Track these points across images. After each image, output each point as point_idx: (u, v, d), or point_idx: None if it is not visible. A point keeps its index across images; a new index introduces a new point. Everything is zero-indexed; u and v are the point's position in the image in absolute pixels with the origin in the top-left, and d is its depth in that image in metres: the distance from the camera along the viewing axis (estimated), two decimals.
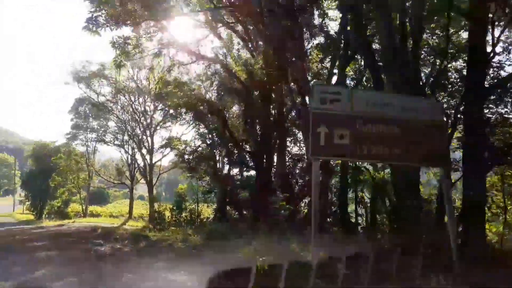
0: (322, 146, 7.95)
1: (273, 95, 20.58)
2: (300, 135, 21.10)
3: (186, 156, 24.19)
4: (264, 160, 20.25)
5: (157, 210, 24.04)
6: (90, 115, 38.01)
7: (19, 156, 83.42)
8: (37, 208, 49.27)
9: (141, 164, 37.98)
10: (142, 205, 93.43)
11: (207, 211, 24.21)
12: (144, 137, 37.90)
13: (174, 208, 23.83)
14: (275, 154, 20.60)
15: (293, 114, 20.30)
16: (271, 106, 20.74)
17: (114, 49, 18.40)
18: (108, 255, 12.13)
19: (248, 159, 21.35)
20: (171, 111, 28.61)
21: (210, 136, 23.49)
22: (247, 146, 22.42)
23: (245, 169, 21.31)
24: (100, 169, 41.73)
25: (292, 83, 16.79)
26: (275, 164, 20.45)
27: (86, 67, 34.89)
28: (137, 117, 37.11)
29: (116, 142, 38.49)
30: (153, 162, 37.59)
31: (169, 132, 38.69)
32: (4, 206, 68.67)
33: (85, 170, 42.68)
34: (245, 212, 20.34)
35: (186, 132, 35.88)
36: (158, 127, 37.48)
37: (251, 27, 19.98)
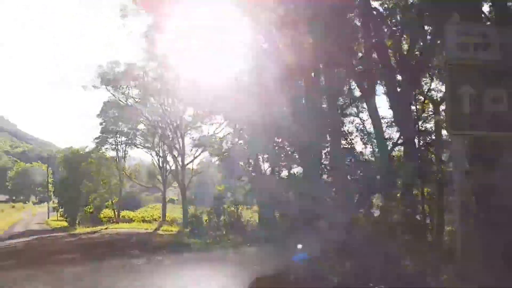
0: (466, 116, 5.37)
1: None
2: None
3: (223, 154, 21.98)
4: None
5: (193, 213, 21.91)
6: (119, 118, 36.48)
7: (53, 165, 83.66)
8: (70, 214, 48.27)
9: (173, 167, 36.24)
10: (174, 209, 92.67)
11: (248, 213, 21.98)
12: (175, 139, 36.10)
13: (212, 211, 21.66)
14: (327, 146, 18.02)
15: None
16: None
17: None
18: (149, 272, 9.99)
19: (293, 152, 18.91)
20: None
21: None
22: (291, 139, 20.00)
23: (293, 165, 18.87)
24: (131, 174, 40.25)
25: None
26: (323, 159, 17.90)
27: (114, 68, 33.39)
28: (167, 119, 35.30)
29: (146, 145, 36.77)
30: (185, 163, 35.72)
31: (200, 132, 36.86)
32: (40, 213, 68.67)
33: (116, 175, 41.20)
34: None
35: (218, 131, 34.06)
36: (189, 128, 35.59)
37: None
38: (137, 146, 37.55)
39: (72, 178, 45.89)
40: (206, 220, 21.89)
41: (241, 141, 21.24)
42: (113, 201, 43.79)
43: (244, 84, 20.37)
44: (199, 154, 36.25)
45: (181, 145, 35.77)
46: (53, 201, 64.21)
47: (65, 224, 49.03)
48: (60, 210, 53.55)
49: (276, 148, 19.66)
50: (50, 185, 63.86)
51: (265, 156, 20.17)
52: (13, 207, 79.87)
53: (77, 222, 46.94)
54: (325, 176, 17.57)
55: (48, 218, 61.56)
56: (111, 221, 48.38)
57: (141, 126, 37.65)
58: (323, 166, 17.27)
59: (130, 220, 47.97)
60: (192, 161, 36.09)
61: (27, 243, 21.14)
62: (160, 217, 52.94)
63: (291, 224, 13.87)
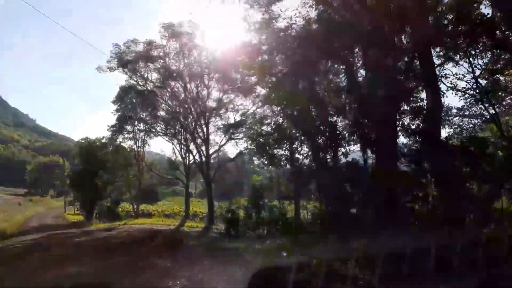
0: None
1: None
2: None
3: (261, 139, 18.10)
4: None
5: (227, 209, 17.95)
6: (137, 104, 32.75)
7: (71, 159, 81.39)
8: (87, 208, 45.10)
9: (196, 157, 32.43)
10: (192, 203, 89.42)
11: (291, 208, 18.05)
12: (198, 127, 32.36)
13: (250, 206, 17.69)
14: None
15: None
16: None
17: None
18: None
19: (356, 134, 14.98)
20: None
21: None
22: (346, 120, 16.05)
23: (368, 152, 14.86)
24: (151, 164, 36.36)
25: None
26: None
27: (131, 48, 29.52)
28: (190, 104, 31.50)
29: (168, 131, 32.83)
30: (210, 153, 31.89)
31: (226, 119, 33.01)
32: (58, 207, 66.15)
33: (134, 165, 37.52)
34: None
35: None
36: (213, 115, 31.72)
37: None
38: (159, 133, 33.54)
39: (87, 170, 42.63)
40: (243, 216, 17.92)
41: (285, 122, 17.25)
42: (132, 195, 40.16)
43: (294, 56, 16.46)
44: (225, 143, 32.45)
45: (205, 133, 31.99)
46: (69, 195, 61.32)
47: (82, 218, 46.07)
48: (76, 204, 50.51)
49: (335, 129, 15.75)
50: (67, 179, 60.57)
51: (319, 139, 16.21)
52: (31, 200, 77.76)
53: (94, 216, 43.86)
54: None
55: (65, 212, 59.04)
56: (129, 216, 45.21)
57: (161, 114, 33.82)
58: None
59: (149, 215, 44.64)
60: (217, 150, 32.27)
61: (33, 243, 17.67)
62: (181, 212, 49.57)
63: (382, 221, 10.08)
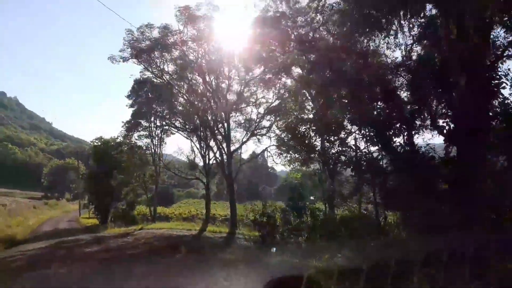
0: None
1: None
2: None
3: (301, 128, 15.10)
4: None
5: (261, 211, 14.94)
6: (153, 99, 30.03)
7: (86, 161, 79.72)
8: (102, 211, 42.72)
9: (217, 155, 29.57)
10: (211, 205, 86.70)
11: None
12: (217, 123, 29.60)
13: (287, 208, 14.64)
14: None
15: None
16: None
17: None
18: None
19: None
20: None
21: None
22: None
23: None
24: (169, 163, 33.52)
25: None
26: None
27: (146, 34, 26.70)
28: (209, 98, 28.70)
29: (187, 127, 29.90)
30: (231, 150, 29.02)
31: (248, 115, 30.18)
32: (73, 211, 64.24)
33: (151, 164, 34.71)
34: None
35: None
36: (234, 109, 28.86)
37: None
38: (178, 129, 30.45)
39: (102, 171, 40.27)
40: (278, 220, 14.88)
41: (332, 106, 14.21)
42: (148, 197, 37.50)
43: None
44: (247, 139, 29.52)
45: (225, 129, 29.16)
46: (84, 198, 59.27)
47: (96, 222, 43.81)
48: (91, 207, 48.27)
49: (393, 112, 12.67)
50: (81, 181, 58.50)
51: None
52: (46, 204, 76.09)
53: (108, 220, 41.49)
54: None
55: (80, 215, 57.06)
56: (146, 220, 42.75)
57: (179, 108, 30.90)
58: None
59: (166, 218, 42.07)
60: (239, 147, 29.37)
61: (34, 255, 15.03)
62: (198, 214, 46.80)
63: None
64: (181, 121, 30.61)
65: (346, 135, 14.02)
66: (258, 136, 29.81)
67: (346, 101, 13.34)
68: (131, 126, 30.83)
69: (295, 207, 14.16)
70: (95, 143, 45.98)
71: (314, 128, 14.44)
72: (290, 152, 26.89)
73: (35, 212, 57.26)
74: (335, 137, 13.87)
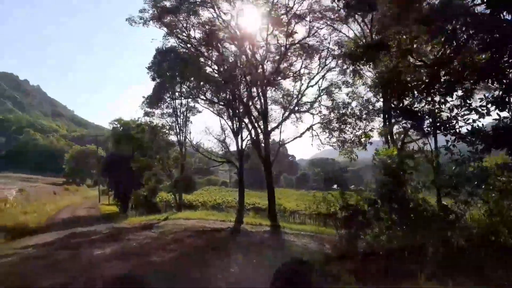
0: None
1: None
2: None
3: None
4: None
5: (345, 201, 10.24)
6: (178, 71, 25.54)
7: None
8: (121, 198, 39.02)
9: (252, 134, 25.09)
10: (228, 193, 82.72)
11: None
12: (251, 99, 25.01)
13: (377, 199, 9.91)
14: None
15: None
16: None
17: None
18: None
19: None
20: None
21: None
22: None
23: None
24: (197, 144, 29.08)
25: None
26: None
27: None
28: (243, 68, 24.10)
29: (220, 98, 25.13)
30: (269, 129, 24.46)
31: (288, 89, 25.65)
32: (94, 197, 61.43)
33: (176, 145, 30.20)
34: None
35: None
36: (273, 80, 24.18)
37: None
38: (208, 101, 25.45)
39: (121, 154, 36.43)
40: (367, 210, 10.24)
41: None
42: (172, 181, 33.24)
43: None
44: (287, 116, 24.84)
45: (262, 103, 24.58)
46: (104, 184, 55.80)
47: (116, 209, 40.23)
48: (111, 193, 44.65)
49: None
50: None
51: None
52: (67, 189, 73.60)
53: (130, 207, 37.79)
54: None
55: (99, 202, 53.86)
56: (169, 206, 38.82)
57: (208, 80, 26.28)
58: None
59: (191, 206, 38.03)
60: (279, 125, 24.68)
61: (27, 258, 10.86)
62: (223, 202, 42.58)
63: None
64: (209, 95, 26.06)
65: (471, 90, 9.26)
66: (297, 114, 25.22)
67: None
68: (153, 101, 26.41)
69: (391, 198, 9.60)
70: (114, 125, 42.20)
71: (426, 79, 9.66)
72: (347, 128, 22.37)
73: (54, 198, 54.98)
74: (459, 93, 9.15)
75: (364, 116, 21.21)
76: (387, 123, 19.58)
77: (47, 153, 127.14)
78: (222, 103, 25.05)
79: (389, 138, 16.90)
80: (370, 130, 20.97)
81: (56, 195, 60.33)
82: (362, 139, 21.48)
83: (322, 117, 23.93)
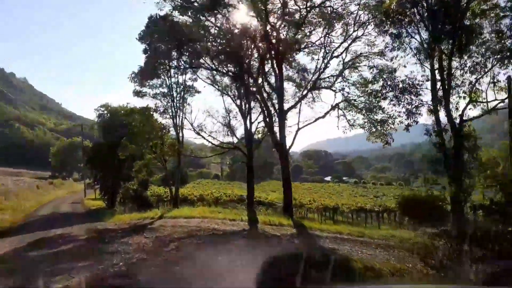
0: None
1: None
2: None
3: None
4: None
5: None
6: (173, 43, 20.75)
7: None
8: (108, 192, 34.16)
9: (259, 119, 20.59)
10: (222, 187, 78.17)
11: None
12: (261, 75, 20.39)
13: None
14: None
15: None
16: None
17: None
18: None
19: None
20: None
21: None
22: None
23: None
24: (199, 126, 24.12)
25: None
26: None
27: None
28: (252, 35, 19.47)
29: (225, 70, 20.29)
30: (285, 109, 19.97)
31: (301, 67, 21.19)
32: (80, 191, 56.56)
33: (170, 129, 25.18)
34: None
35: None
36: (291, 50, 19.65)
37: None
38: (213, 70, 20.41)
39: (108, 143, 31.49)
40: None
41: None
42: (167, 170, 28.32)
43: None
44: (305, 95, 20.41)
45: (277, 77, 20.06)
46: (90, 177, 50.59)
47: (103, 204, 35.43)
48: (97, 186, 39.62)
49: None
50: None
51: None
52: (51, 183, 68.42)
53: (118, 202, 33.02)
54: None
55: (85, 196, 48.95)
56: (161, 201, 34.14)
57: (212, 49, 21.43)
58: None
59: (186, 200, 33.39)
60: (297, 103, 20.21)
61: None
62: (221, 196, 38.06)
63: None
64: (213, 64, 21.26)
65: None
66: (315, 92, 20.79)
67: None
68: (145, 75, 21.55)
69: None
70: (100, 111, 37.16)
71: None
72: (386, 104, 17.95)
73: (37, 193, 50.41)
74: None
75: (409, 89, 16.81)
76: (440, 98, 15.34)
77: (34, 147, 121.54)
78: (232, 74, 20.31)
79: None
80: (416, 107, 16.67)
81: (39, 189, 55.71)
82: (402, 119, 17.17)
83: (345, 94, 19.62)
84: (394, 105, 17.27)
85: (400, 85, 16.97)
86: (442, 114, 15.75)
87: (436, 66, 15.99)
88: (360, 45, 20.40)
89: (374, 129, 19.06)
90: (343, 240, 13.01)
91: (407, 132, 17.17)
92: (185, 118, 23.70)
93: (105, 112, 36.32)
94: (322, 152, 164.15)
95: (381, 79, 17.86)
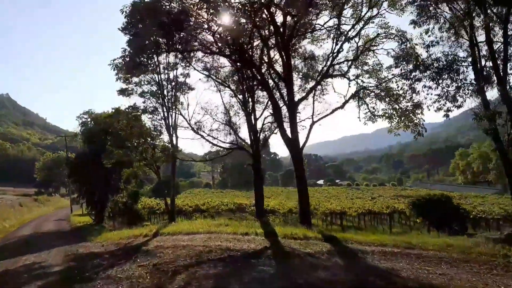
0: None
1: None
2: None
3: None
4: None
5: None
6: (160, 29, 17.54)
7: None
8: (96, 206, 30.71)
9: (266, 113, 17.48)
10: (218, 194, 74.61)
11: None
12: (267, 58, 17.36)
13: None
14: None
15: None
16: None
17: None
18: None
19: None
20: None
21: None
22: None
23: None
24: (198, 124, 20.63)
25: None
26: None
27: None
28: (256, 20, 16.45)
29: (219, 52, 16.90)
30: (296, 100, 16.92)
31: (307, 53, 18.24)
32: (67, 207, 52.54)
33: (163, 130, 21.50)
34: None
35: None
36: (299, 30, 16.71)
37: None
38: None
39: (92, 152, 28.04)
40: None
41: None
42: (160, 177, 24.86)
43: None
44: (319, 81, 17.43)
45: (284, 61, 17.00)
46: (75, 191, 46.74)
47: (90, 220, 32.04)
48: (82, 201, 35.95)
49: None
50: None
51: None
52: (36, 200, 64.22)
53: (106, 217, 29.75)
54: None
55: (71, 212, 45.28)
56: (153, 213, 30.94)
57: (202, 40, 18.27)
58: None
59: (180, 212, 30.18)
60: (310, 91, 17.19)
61: None
62: (219, 206, 34.81)
63: None
64: (203, 62, 18.16)
65: None
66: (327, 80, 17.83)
67: None
68: (130, 65, 18.10)
69: None
70: (83, 119, 33.72)
71: None
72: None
73: (20, 211, 46.89)
74: None
75: (447, 69, 13.92)
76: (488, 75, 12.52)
77: (19, 163, 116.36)
78: (234, 58, 17.15)
79: None
80: (458, 88, 13.78)
81: (22, 207, 51.81)
82: (440, 105, 14.29)
83: (360, 83, 16.71)
84: (429, 88, 14.39)
85: (435, 64, 14.10)
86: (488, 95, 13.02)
87: (480, 39, 13.24)
88: (374, 28, 17.68)
89: (402, 119, 16.20)
90: (393, 255, 10.00)
91: (447, 118, 14.34)
92: (179, 114, 20.45)
93: (89, 119, 32.91)
94: (313, 156, 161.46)
95: (412, 59, 15.00)
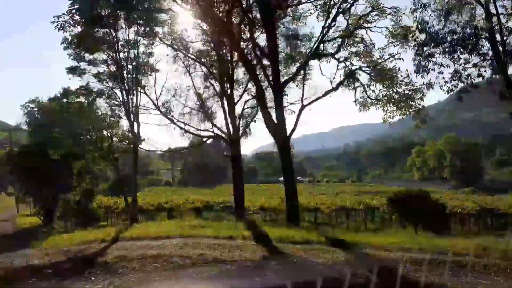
0: None
1: None
2: None
3: None
4: None
5: None
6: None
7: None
8: (45, 205, 26.88)
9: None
10: (181, 192, 70.91)
11: None
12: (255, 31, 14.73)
13: None
14: None
15: None
16: None
17: None
18: None
19: None
20: None
21: None
22: None
23: None
24: (165, 104, 17.40)
25: None
26: None
27: None
28: None
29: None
30: (282, 81, 14.45)
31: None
32: (13, 207, 47.11)
33: (123, 118, 18.16)
34: None
35: None
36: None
37: None
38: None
39: (39, 145, 24.11)
40: None
41: None
42: (118, 176, 21.55)
43: None
44: (306, 61, 15.07)
45: (269, 39, 14.50)
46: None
47: (39, 221, 28.22)
48: (28, 199, 31.59)
49: None
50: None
51: None
52: None
53: (55, 218, 26.09)
54: None
55: (17, 212, 40.54)
56: (110, 212, 27.76)
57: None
58: None
59: (142, 211, 27.18)
60: (300, 70, 14.73)
61: None
62: (183, 203, 31.81)
63: None
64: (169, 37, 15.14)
65: None
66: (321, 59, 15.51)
67: None
68: (83, 39, 14.73)
69: None
70: (29, 108, 29.42)
71: None
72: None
73: None
74: None
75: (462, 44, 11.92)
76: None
77: None
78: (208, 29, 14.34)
79: None
80: (475, 65, 11.84)
81: None
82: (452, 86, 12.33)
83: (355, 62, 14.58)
84: (440, 65, 12.41)
85: (449, 38, 12.09)
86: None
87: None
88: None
89: (400, 104, 14.22)
90: (428, 264, 7.84)
91: (460, 102, 12.47)
92: (143, 93, 17.32)
93: (35, 108, 28.68)
94: (274, 154, 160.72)
95: (422, 33, 12.94)
